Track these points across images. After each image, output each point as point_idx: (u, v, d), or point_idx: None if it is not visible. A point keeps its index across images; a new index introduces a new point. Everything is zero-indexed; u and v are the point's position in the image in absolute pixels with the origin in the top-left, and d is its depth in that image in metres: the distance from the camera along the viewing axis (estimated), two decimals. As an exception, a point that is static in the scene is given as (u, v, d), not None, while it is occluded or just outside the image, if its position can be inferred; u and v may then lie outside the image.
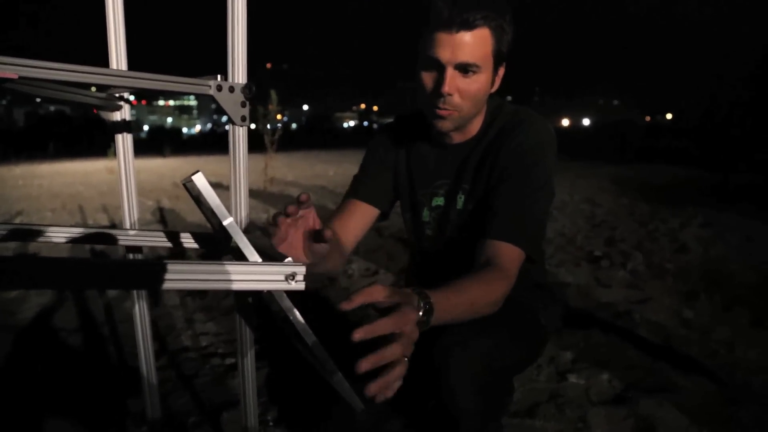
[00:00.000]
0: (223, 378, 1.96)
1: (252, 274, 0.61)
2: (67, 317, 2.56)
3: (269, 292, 0.70)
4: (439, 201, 1.30)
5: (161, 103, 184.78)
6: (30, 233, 1.11)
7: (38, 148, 21.52)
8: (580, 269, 3.33)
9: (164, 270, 0.54)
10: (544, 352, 2.08)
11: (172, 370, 2.03)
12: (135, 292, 1.33)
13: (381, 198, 1.35)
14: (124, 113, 1.22)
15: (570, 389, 1.86)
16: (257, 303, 1.07)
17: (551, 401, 1.78)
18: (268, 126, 8.10)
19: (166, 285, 0.54)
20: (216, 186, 7.38)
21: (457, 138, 1.25)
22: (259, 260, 0.68)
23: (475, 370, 0.98)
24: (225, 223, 0.72)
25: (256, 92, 1.09)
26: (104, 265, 0.59)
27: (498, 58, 1.13)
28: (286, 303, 0.71)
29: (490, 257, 1.07)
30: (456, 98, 1.12)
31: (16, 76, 0.77)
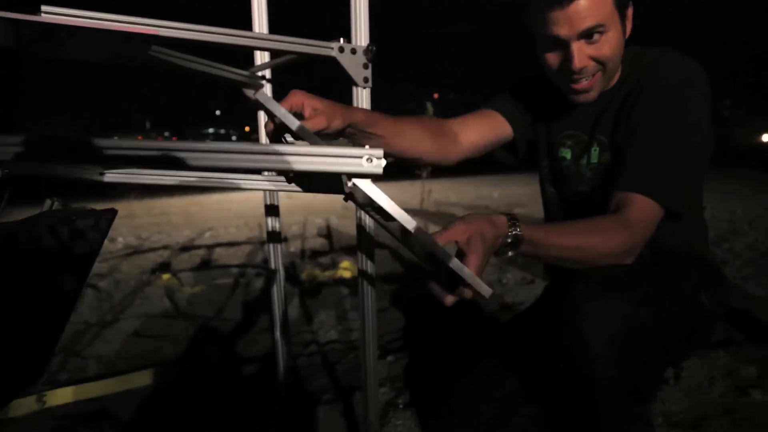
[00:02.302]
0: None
1: (331, 156, 0.58)
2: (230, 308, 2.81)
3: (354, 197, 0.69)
4: (565, 153, 1.20)
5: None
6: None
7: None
8: (775, 284, 2.85)
9: (246, 152, 0.56)
10: (719, 363, 1.81)
11: (318, 356, 2.12)
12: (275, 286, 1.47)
13: (517, 120, 1.25)
14: (265, 91, 1.32)
15: (752, 407, 1.57)
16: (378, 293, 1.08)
17: (726, 416, 1.52)
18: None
19: (247, 165, 0.57)
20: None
21: None
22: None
23: (613, 329, 0.85)
24: (294, 128, 0.73)
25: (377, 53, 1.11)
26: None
27: (621, 3, 1.02)
28: (375, 190, 0.65)
29: (618, 209, 0.96)
30: (591, 66, 1.03)
31: (157, 32, 0.87)
